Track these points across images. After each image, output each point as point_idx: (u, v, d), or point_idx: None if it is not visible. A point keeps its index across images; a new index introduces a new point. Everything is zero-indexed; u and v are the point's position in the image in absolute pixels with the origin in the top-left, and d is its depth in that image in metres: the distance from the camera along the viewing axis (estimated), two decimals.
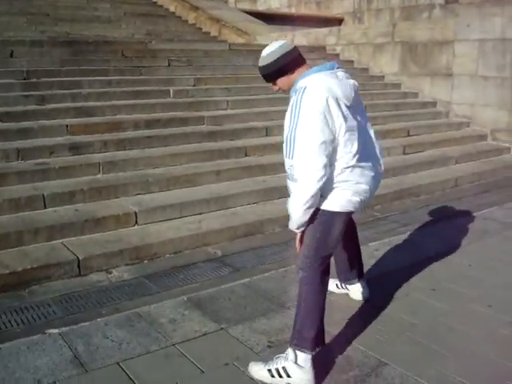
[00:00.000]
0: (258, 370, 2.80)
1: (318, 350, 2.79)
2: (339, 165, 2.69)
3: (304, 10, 21.14)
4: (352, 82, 2.79)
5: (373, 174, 2.86)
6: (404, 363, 2.93)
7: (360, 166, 2.76)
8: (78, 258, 4.13)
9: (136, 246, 4.43)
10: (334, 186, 2.73)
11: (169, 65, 8.57)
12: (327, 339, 2.99)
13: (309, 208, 2.66)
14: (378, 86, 10.44)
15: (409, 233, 5.21)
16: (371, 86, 10.21)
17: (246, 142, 6.67)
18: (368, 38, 11.10)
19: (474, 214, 5.83)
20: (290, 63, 2.79)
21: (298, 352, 2.74)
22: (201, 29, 14.41)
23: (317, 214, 2.77)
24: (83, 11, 14.16)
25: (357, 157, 2.72)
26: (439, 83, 9.86)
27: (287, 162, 2.66)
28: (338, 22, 19.76)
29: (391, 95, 10.10)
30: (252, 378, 2.78)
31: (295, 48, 2.85)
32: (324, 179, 2.60)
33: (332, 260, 3.04)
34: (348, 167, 2.70)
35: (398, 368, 2.88)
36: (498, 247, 4.89)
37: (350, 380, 2.80)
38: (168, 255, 4.54)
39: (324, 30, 12.36)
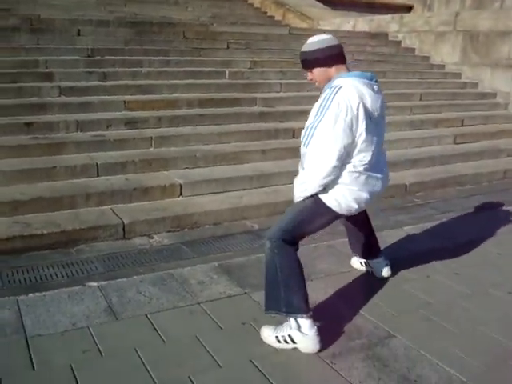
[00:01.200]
0: (267, 335, 3.00)
1: (311, 313, 2.94)
2: (348, 168, 2.87)
3: None
4: (382, 96, 2.98)
5: (377, 184, 3.03)
6: (412, 337, 3.08)
7: (366, 175, 2.93)
8: (123, 222, 4.47)
9: (178, 215, 4.73)
10: (338, 185, 2.89)
11: (227, 47, 8.83)
12: (343, 310, 3.19)
13: (305, 196, 2.91)
14: (438, 75, 10.37)
15: (445, 220, 5.28)
16: (430, 75, 10.18)
17: (295, 125, 6.85)
18: (430, 26, 11.01)
19: None
20: (331, 57, 2.94)
21: (298, 319, 2.92)
22: (266, 13, 14.59)
23: (312, 199, 2.93)
24: None
25: (366, 166, 2.90)
26: (500, 74, 9.71)
27: (302, 149, 2.89)
28: (408, 9, 19.46)
29: (450, 84, 10.03)
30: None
31: (340, 45, 2.98)
32: (329, 179, 2.82)
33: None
34: (355, 172, 2.88)
35: (404, 340, 3.05)
36: None
37: (356, 347, 2.98)
38: (208, 226, 4.82)
39: (386, 17, 12.32)
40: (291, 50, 9.28)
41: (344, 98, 2.75)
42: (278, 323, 3.04)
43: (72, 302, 3.33)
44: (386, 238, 4.67)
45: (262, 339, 2.99)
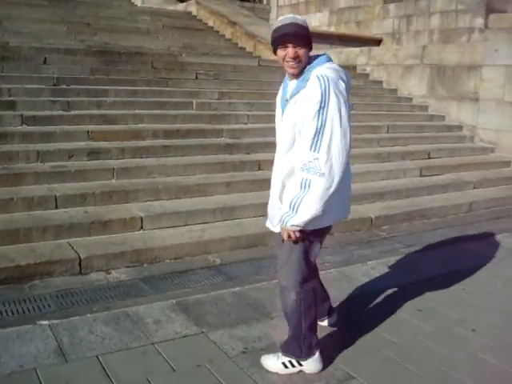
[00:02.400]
0: (272, 364, 3.00)
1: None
2: None
3: (344, 30, 21.25)
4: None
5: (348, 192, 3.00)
6: (371, 379, 2.99)
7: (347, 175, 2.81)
8: (79, 256, 4.32)
9: (138, 250, 4.60)
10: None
11: (196, 78, 8.80)
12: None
13: (325, 205, 2.62)
14: (405, 108, 10.48)
15: (410, 254, 5.25)
16: (397, 107, 10.29)
17: (261, 156, 6.81)
18: (398, 60, 11.17)
19: (482, 240, 5.82)
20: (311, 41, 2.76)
21: None
22: (237, 44, 14.65)
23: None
24: (124, 22, 14.59)
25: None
26: (466, 107, 9.85)
27: (310, 154, 2.58)
28: (377, 42, 19.81)
29: (417, 117, 10.14)
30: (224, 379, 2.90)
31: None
32: (344, 172, 2.64)
33: None
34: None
35: (364, 382, 2.95)
36: (497, 273, 4.87)
37: None
38: (168, 260, 4.69)
39: (355, 50, 12.48)
40: (259, 82, 9.33)
41: (335, 86, 2.59)
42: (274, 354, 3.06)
43: (21, 341, 3.18)
44: (350, 273, 4.62)
45: (217, 381, 2.88)
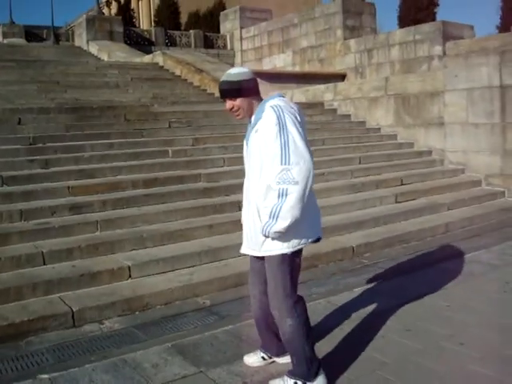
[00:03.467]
0: None
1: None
2: None
3: (308, 68, 21.85)
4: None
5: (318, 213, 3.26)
6: None
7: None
8: (72, 310, 4.38)
9: (128, 298, 4.67)
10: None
11: (169, 126, 9.01)
12: None
13: (302, 207, 2.89)
14: (375, 138, 10.78)
15: (394, 278, 5.40)
16: (367, 139, 10.58)
17: (241, 197, 6.87)
18: (363, 93, 11.53)
19: (461, 258, 6.00)
20: (255, 88, 3.13)
21: None
22: (205, 90, 14.95)
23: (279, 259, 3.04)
24: (92, 78, 14.82)
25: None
26: (433, 133, 10.19)
27: (282, 168, 2.85)
28: (342, 77, 20.37)
29: (387, 146, 10.43)
30: None
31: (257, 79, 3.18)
32: (313, 182, 2.93)
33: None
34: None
35: None
36: (479, 288, 5.06)
37: None
38: (159, 306, 4.76)
39: (321, 87, 12.84)
40: (232, 125, 9.54)
41: (290, 113, 2.97)
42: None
43: None
44: (337, 301, 4.74)
45: None
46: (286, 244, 3.00)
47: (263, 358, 3.62)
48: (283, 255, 3.02)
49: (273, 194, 2.91)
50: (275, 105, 2.98)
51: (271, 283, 3.11)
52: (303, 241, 3.04)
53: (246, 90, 3.08)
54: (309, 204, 2.97)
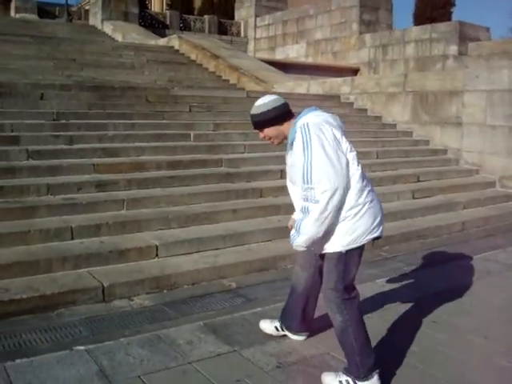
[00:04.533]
0: (330, 381, 3.16)
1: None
2: (355, 184, 3.03)
3: (321, 60, 21.86)
4: (338, 116, 3.27)
5: (377, 205, 3.21)
6: None
7: (370, 186, 3.14)
8: (102, 285, 4.45)
9: (156, 277, 4.74)
10: (353, 211, 3.02)
11: (190, 110, 9.03)
12: (331, 363, 3.28)
13: (326, 227, 2.96)
14: (390, 134, 10.82)
15: (414, 272, 5.48)
16: (383, 134, 10.62)
17: (262, 184, 7.02)
18: (381, 88, 11.55)
19: (478, 256, 6.07)
20: (280, 116, 3.21)
21: None
22: (220, 76, 14.99)
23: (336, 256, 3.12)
24: (108, 57, 14.87)
25: (365, 176, 3.13)
26: (449, 132, 10.23)
27: (306, 187, 2.95)
28: (354, 71, 20.40)
29: (403, 142, 10.48)
30: None
31: (286, 104, 3.26)
32: (343, 198, 2.95)
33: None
34: (363, 186, 3.06)
35: None
36: (499, 286, 5.15)
37: None
38: (186, 286, 4.84)
39: (338, 80, 12.86)
40: None
41: (317, 128, 3.01)
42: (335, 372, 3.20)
43: (62, 366, 3.29)
44: (362, 291, 4.75)
45: None
46: (341, 242, 3.07)
47: (276, 328, 3.81)
48: (338, 253, 3.09)
49: (299, 208, 3.09)
50: (303, 124, 3.05)
51: (325, 279, 3.21)
52: (359, 240, 3.08)
53: (270, 120, 3.20)
54: (364, 203, 3.05)
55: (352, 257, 3.12)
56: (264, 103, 3.22)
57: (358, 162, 3.09)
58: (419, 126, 10.82)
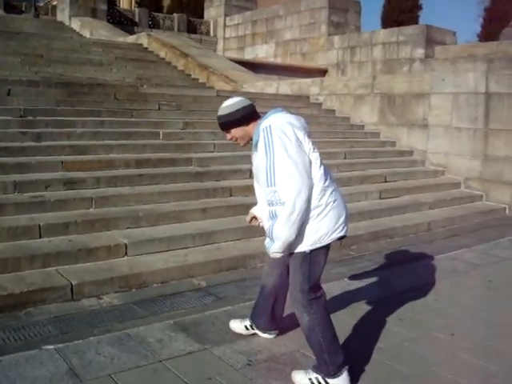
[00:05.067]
0: (299, 379, 3.18)
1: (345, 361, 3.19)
2: (317, 184, 3.04)
3: (290, 61, 21.95)
4: (302, 117, 3.29)
5: (340, 193, 3.28)
6: (372, 381, 3.25)
7: (331, 190, 3.12)
8: (71, 283, 4.41)
9: (125, 275, 4.72)
10: (316, 211, 3.04)
11: (159, 108, 8.99)
12: (301, 361, 3.31)
13: (297, 229, 2.96)
14: (358, 135, 10.96)
15: (381, 271, 5.56)
16: (351, 134, 10.75)
17: (231, 183, 7.04)
18: (349, 89, 11.68)
19: (444, 255, 6.20)
20: (246, 117, 3.24)
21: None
22: (190, 75, 14.96)
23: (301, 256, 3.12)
24: (76, 54, 14.70)
25: (328, 176, 3.14)
26: (416, 133, 10.41)
27: (270, 190, 2.98)
28: (323, 72, 20.54)
29: (370, 143, 10.62)
30: None
31: (252, 105, 3.30)
32: (309, 197, 2.96)
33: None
34: (326, 186, 3.08)
35: None
36: (465, 284, 5.27)
37: None
38: (155, 284, 4.83)
39: (307, 80, 12.95)
40: None
41: (279, 130, 3.02)
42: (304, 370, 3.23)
43: (31, 366, 3.26)
44: (330, 290, 4.82)
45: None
46: (305, 243, 3.08)
47: (246, 327, 3.84)
48: (303, 253, 3.10)
49: (267, 215, 3.08)
50: (266, 126, 3.07)
51: (291, 279, 3.22)
52: (323, 239, 3.08)
53: (237, 121, 3.23)
54: (327, 203, 3.06)
55: (317, 256, 3.13)
56: (231, 104, 3.25)
57: (321, 163, 3.11)
58: (386, 127, 10.97)
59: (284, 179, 2.92)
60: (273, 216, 2.98)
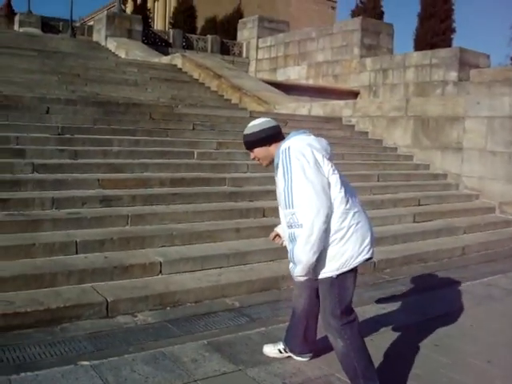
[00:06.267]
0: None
1: None
2: (338, 207, 3.04)
3: (322, 82, 22.01)
4: (324, 139, 3.31)
5: (365, 215, 3.25)
6: None
7: (353, 212, 3.10)
8: (106, 300, 4.45)
9: (160, 293, 4.75)
10: (338, 235, 3.04)
11: (193, 128, 9.09)
12: None
13: (317, 250, 2.95)
14: (391, 157, 10.90)
15: (415, 295, 5.51)
16: (384, 157, 10.71)
17: (264, 204, 7.06)
18: (382, 111, 11.66)
19: (479, 281, 6.11)
20: (268, 137, 3.30)
21: None
22: (222, 96, 15.10)
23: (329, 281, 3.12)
24: (112, 74, 14.98)
25: (351, 198, 3.13)
26: (450, 156, 10.32)
27: (288, 212, 2.99)
28: (354, 94, 20.54)
29: (403, 166, 10.55)
30: None
31: (276, 126, 3.36)
32: (328, 219, 2.96)
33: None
34: (347, 209, 3.06)
35: None
36: (500, 311, 5.19)
37: None
38: (189, 304, 4.84)
39: (340, 102, 12.97)
40: None
41: (298, 152, 3.05)
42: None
43: (67, 381, 3.29)
44: (363, 313, 4.81)
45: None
46: (331, 267, 3.07)
47: (279, 350, 3.83)
48: (330, 279, 3.09)
49: (287, 237, 3.10)
50: (285, 148, 3.09)
51: (321, 305, 3.22)
52: (349, 263, 3.06)
53: (259, 141, 3.30)
54: (349, 226, 3.05)
55: (345, 280, 3.11)
56: (256, 124, 3.33)
57: (342, 185, 3.09)
58: (420, 150, 10.90)
59: (302, 201, 2.93)
60: (292, 239, 2.99)
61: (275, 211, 6.92)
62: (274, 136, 3.30)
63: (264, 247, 5.96)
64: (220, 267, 5.48)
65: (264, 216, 6.82)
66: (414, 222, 8.08)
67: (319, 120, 12.07)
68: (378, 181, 9.33)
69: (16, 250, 4.88)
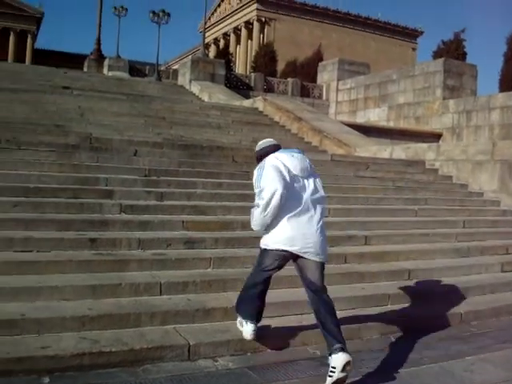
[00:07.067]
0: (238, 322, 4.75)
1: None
2: (284, 211, 4.19)
3: (403, 124, 21.79)
4: (307, 160, 4.47)
5: (309, 241, 4.40)
6: None
7: (297, 221, 4.24)
8: (189, 343, 4.49)
9: (241, 339, 4.72)
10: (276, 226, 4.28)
11: None
12: None
13: (269, 217, 4.22)
14: (477, 203, 10.56)
15: (506, 350, 5.22)
16: (470, 202, 10.38)
17: (346, 250, 6.97)
18: (467, 155, 11.36)
19: None
20: (265, 154, 4.46)
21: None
22: (303, 138, 15.18)
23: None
24: (196, 117, 15.40)
25: (297, 210, 4.22)
26: None
27: (256, 191, 4.32)
28: (436, 137, 20.19)
29: (490, 212, 10.18)
30: None
31: (274, 145, 4.55)
32: (280, 198, 4.11)
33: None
34: (290, 216, 4.20)
35: None
36: None
37: None
38: (269, 350, 4.80)
39: (423, 145, 12.75)
40: (335, 176, 9.62)
41: (268, 164, 4.28)
42: None
43: None
44: (451, 368, 4.63)
45: None
46: (262, 242, 4.54)
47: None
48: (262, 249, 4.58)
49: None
50: (264, 161, 4.38)
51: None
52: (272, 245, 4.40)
53: (260, 156, 4.52)
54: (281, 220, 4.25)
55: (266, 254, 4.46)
56: (262, 142, 4.61)
57: (299, 197, 4.25)
58: (507, 195, 10.50)
59: (266, 182, 4.19)
60: (256, 206, 4.32)
61: (357, 257, 6.88)
62: (269, 153, 4.44)
63: (345, 295, 5.87)
64: (301, 314, 5.41)
65: (345, 262, 6.73)
66: (502, 271, 7.72)
67: (401, 163, 11.90)
68: (464, 227, 9.02)
69: (103, 290, 5.04)
